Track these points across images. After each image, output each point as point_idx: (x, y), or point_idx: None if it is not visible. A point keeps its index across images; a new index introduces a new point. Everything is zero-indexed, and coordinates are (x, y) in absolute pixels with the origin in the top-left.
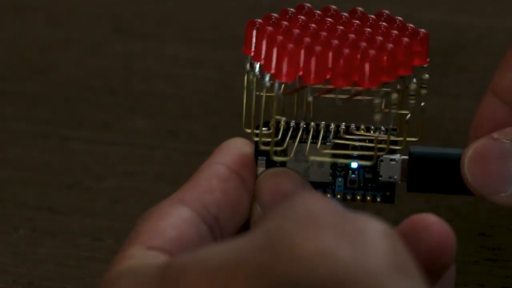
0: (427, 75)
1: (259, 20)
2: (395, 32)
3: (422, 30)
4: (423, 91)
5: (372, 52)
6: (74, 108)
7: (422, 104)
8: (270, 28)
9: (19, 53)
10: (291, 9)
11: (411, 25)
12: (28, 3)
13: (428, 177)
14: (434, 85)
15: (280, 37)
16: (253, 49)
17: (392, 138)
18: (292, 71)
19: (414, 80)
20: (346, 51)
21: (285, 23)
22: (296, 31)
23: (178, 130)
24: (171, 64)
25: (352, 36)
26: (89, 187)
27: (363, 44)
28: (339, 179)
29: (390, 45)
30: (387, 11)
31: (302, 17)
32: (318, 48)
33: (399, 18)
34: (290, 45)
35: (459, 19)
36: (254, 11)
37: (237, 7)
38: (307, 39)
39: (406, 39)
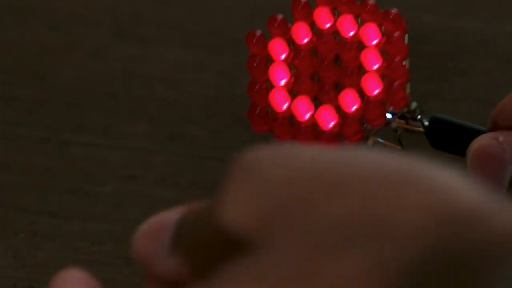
0: (414, 104)
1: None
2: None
3: (397, 82)
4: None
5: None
6: (75, 113)
7: (419, 116)
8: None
9: (20, 58)
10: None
11: (396, 59)
12: (28, 8)
13: (447, 140)
14: (435, 89)
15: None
16: None
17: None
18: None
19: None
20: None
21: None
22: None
23: (178, 134)
24: (172, 68)
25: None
26: (89, 191)
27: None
28: None
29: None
30: (395, 11)
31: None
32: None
33: (396, 34)
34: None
35: (460, 24)
36: (254, 16)
37: (238, 12)
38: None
39: (374, 101)
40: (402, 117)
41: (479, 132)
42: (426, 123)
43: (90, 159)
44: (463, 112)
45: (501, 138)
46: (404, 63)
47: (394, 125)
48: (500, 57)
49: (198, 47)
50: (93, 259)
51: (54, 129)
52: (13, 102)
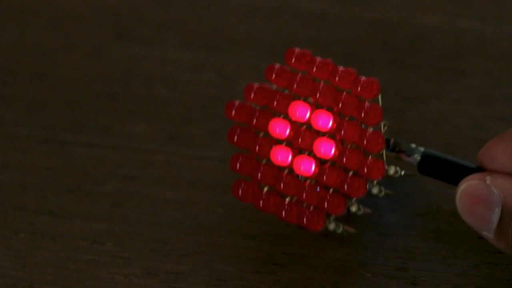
0: (392, 169)
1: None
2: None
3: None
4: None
5: (308, 218)
6: (75, 113)
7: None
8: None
9: (20, 58)
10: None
11: (370, 130)
12: (28, 8)
13: (439, 176)
14: (435, 89)
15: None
16: None
17: None
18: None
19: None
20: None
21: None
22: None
23: (178, 134)
24: (172, 68)
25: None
26: (89, 191)
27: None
28: None
29: (326, 206)
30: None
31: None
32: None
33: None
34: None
35: (459, 24)
36: (254, 16)
37: (238, 12)
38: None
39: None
40: (393, 150)
41: (469, 170)
42: (418, 158)
43: (89, 159)
44: (463, 112)
45: (488, 181)
46: (380, 128)
47: (391, 171)
48: (500, 57)
49: (198, 47)
50: (93, 259)
51: (54, 129)
52: (13, 102)
